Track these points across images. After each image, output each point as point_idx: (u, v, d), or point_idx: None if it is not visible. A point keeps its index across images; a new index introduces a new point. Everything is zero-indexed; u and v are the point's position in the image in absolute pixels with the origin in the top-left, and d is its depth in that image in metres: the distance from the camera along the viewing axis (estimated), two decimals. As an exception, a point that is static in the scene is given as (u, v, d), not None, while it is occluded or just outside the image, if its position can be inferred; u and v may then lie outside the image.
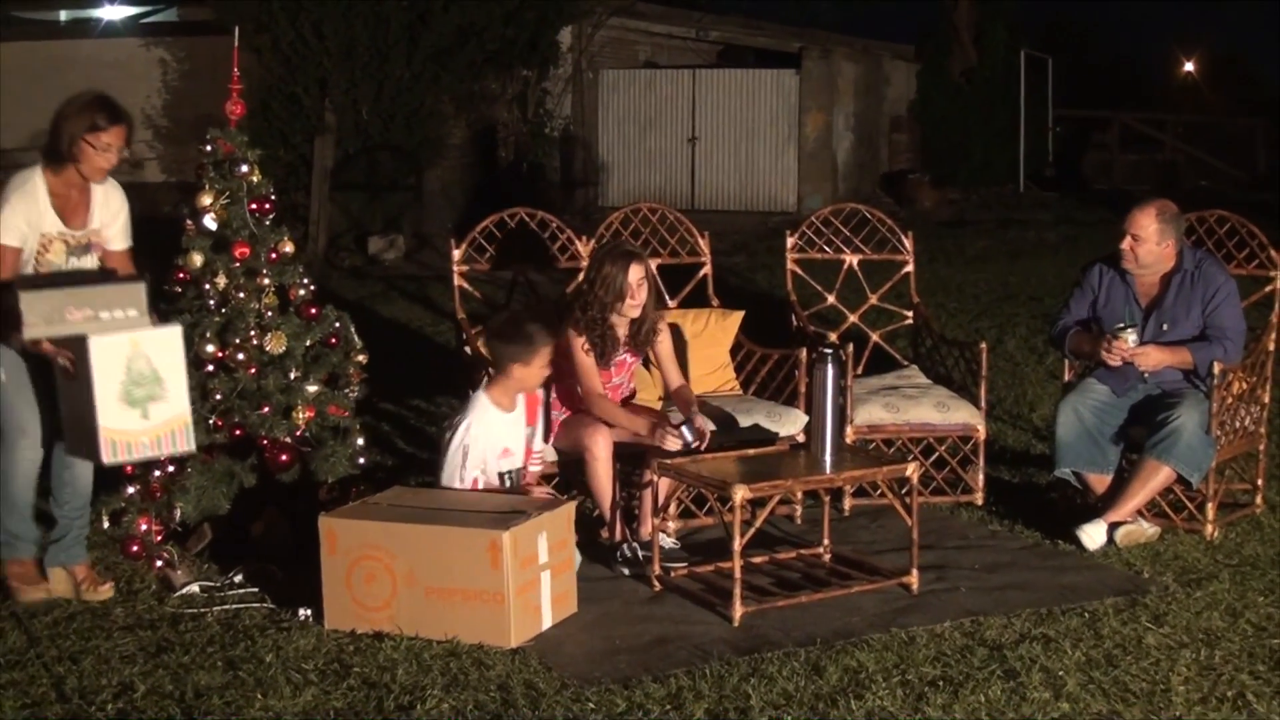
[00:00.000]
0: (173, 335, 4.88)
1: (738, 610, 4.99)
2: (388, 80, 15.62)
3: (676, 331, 6.54)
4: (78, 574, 5.21)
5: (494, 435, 5.45)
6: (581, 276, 5.93)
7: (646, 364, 6.53)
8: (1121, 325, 5.87)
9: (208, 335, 5.72)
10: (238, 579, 5.29)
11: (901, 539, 5.59)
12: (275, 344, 5.81)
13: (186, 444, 4.85)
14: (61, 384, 4.87)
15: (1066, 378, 6.45)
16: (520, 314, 5.86)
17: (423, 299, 12.34)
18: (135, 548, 5.49)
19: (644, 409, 5.92)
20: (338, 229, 15.69)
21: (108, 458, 4.68)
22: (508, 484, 5.50)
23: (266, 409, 5.80)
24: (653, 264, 6.87)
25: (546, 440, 5.81)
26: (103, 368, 4.69)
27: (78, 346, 4.71)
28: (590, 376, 5.75)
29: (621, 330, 5.82)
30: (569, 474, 5.92)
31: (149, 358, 4.77)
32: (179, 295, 5.82)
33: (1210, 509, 5.91)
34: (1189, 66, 40.95)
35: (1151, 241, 5.90)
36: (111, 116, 5.07)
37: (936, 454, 6.55)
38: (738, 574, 5.01)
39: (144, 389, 4.73)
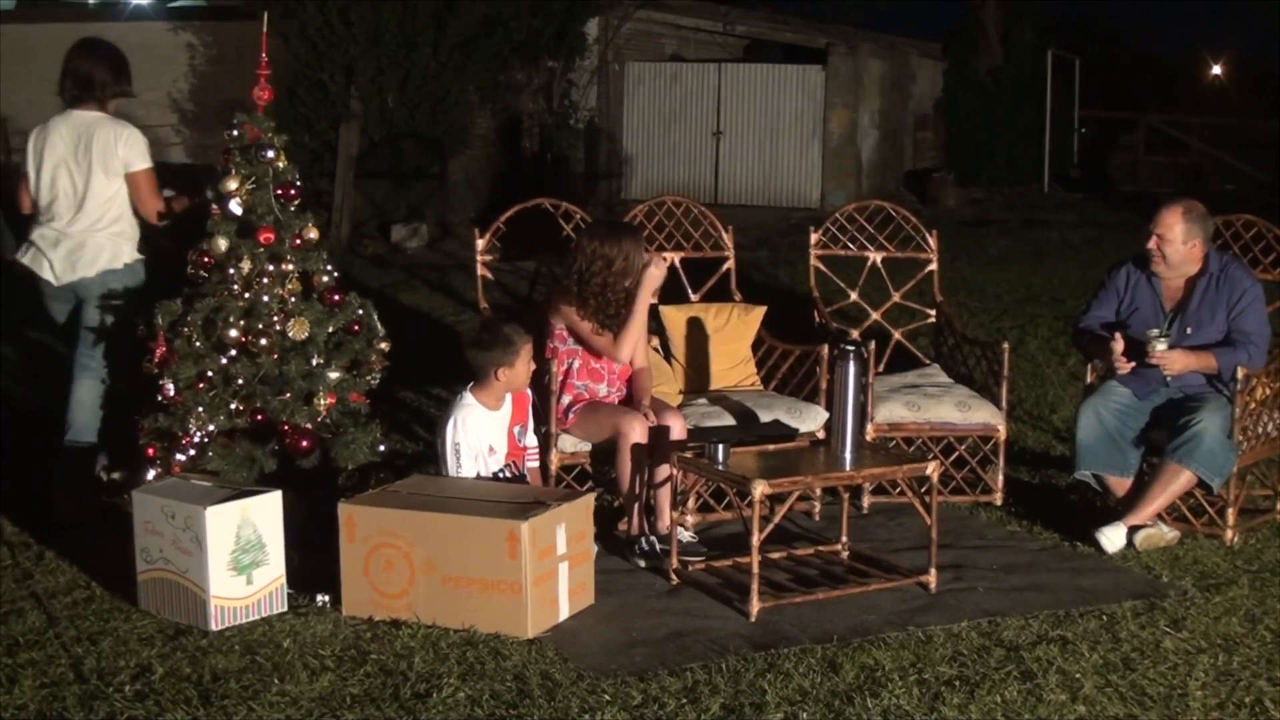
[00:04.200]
0: (275, 500, 4.99)
1: (755, 605, 4.99)
2: (414, 68, 15.63)
3: (698, 325, 6.54)
4: None
5: (481, 433, 5.46)
6: (578, 259, 5.87)
7: (668, 357, 6.53)
8: (1155, 333, 5.84)
9: (231, 320, 5.73)
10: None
11: (920, 538, 5.58)
12: (298, 330, 5.82)
13: (282, 605, 4.97)
14: None
15: (1088, 380, 6.42)
16: (491, 320, 5.88)
17: (444, 288, 12.35)
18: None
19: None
20: (361, 216, 15.72)
21: (215, 625, 4.79)
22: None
23: (288, 395, 5.80)
24: (674, 256, 6.90)
25: (555, 429, 5.79)
26: (215, 537, 4.81)
27: (193, 514, 4.80)
28: (608, 344, 5.81)
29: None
30: (596, 464, 5.92)
31: (255, 524, 4.90)
32: (203, 279, 5.84)
33: (1231, 514, 5.89)
34: (1216, 69, 40.76)
35: (1178, 241, 5.88)
36: None
37: (956, 453, 6.54)
38: (755, 569, 5.01)
39: (250, 555, 4.88)
